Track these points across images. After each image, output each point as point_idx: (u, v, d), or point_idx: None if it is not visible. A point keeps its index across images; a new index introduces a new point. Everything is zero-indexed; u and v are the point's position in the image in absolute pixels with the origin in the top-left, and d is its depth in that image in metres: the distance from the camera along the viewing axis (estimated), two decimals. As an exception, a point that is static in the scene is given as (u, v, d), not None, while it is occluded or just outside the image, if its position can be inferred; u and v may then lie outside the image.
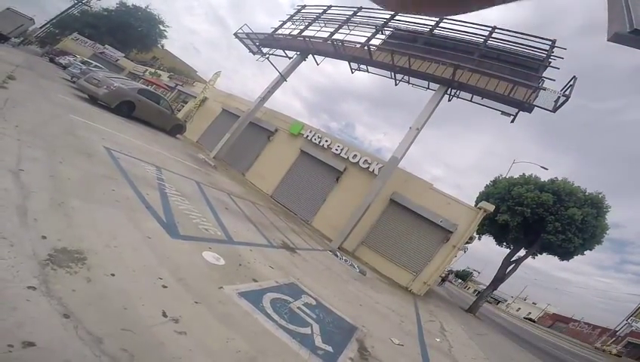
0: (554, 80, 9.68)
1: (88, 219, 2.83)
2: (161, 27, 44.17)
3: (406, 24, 13.11)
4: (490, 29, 11.44)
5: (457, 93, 11.47)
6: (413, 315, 7.18)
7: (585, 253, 14.27)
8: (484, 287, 19.24)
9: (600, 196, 13.22)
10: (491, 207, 11.31)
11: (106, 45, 34.77)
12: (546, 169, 19.65)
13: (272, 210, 10.61)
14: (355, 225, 10.67)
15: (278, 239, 6.68)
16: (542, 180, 14.18)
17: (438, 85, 11.31)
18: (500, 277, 15.69)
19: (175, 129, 14.07)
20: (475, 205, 11.96)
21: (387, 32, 13.21)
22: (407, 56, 11.31)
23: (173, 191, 5.28)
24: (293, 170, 14.57)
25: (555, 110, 9.11)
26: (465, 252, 25.10)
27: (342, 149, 13.73)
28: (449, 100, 11.73)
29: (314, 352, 2.79)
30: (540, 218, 13.19)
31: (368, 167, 12.93)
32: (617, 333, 35.09)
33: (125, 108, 10.51)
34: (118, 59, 33.33)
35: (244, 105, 17.59)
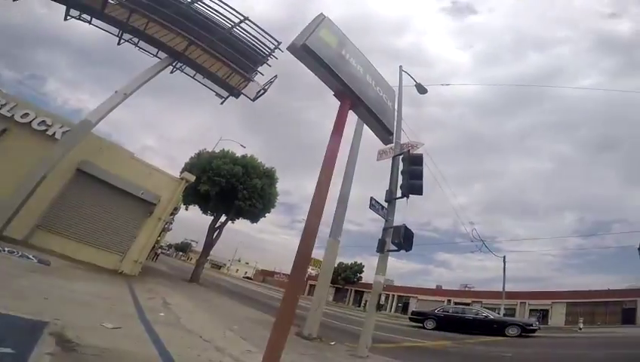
0: (263, 74, 11.72)
1: None
2: None
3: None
4: (242, 17, 11.47)
5: (183, 67, 11.34)
6: (128, 296, 6.59)
7: (266, 215, 17.98)
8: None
9: (273, 170, 17.18)
10: (192, 177, 12.07)
11: None
12: (244, 147, 22.58)
13: None
14: (22, 203, 7.68)
15: None
16: (236, 155, 16.62)
17: (167, 55, 10.75)
18: (209, 244, 17.22)
19: None
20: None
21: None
22: (148, 19, 9.91)
23: None
24: None
25: (254, 99, 11.35)
26: (171, 223, 24.98)
27: (3, 104, 9.20)
28: (171, 72, 11.43)
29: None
30: (233, 187, 15.20)
31: (46, 130, 9.65)
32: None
33: None
34: None
35: None
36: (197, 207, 17.53)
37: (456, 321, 14.80)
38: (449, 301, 37.79)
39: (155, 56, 11.38)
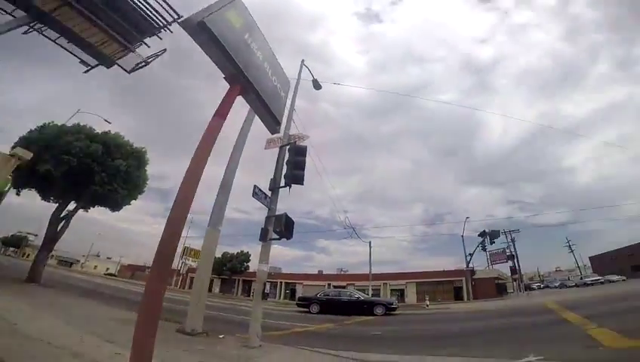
0: (150, 46, 9.96)
1: None
2: None
3: None
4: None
5: (44, 28, 8.82)
6: None
7: (132, 202, 15.49)
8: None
9: (142, 150, 14.86)
10: (29, 154, 9.38)
11: None
12: (110, 123, 18.96)
13: None
14: None
15: None
16: (96, 131, 13.82)
17: (26, 14, 8.25)
18: (52, 237, 13.82)
19: None
20: (12, 152, 9.52)
21: None
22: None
23: None
24: None
25: (131, 71, 9.63)
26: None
27: None
28: (26, 32, 8.81)
29: None
30: (88, 168, 12.52)
31: None
32: (181, 271, 42.78)
33: None
34: None
35: None
36: (35, 191, 13.90)
37: (335, 304, 16.46)
38: (329, 285, 41.39)
39: (9, 14, 8.43)
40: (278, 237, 6.36)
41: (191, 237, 45.63)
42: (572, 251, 60.56)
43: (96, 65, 9.69)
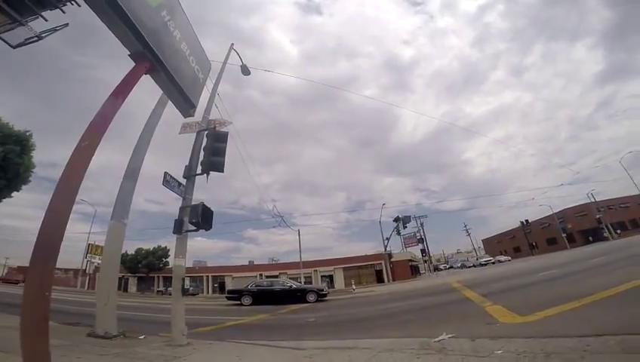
0: (47, 20, 8.29)
1: None
2: None
3: None
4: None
5: None
6: None
7: (13, 194, 13.18)
8: None
9: (27, 134, 12.72)
10: None
11: None
12: None
13: None
14: None
15: None
16: None
17: None
18: None
19: None
20: None
21: None
22: None
23: None
24: None
25: (16, 46, 8.01)
26: None
27: None
28: None
29: None
30: None
31: None
32: (86, 271, 36.96)
33: None
34: None
35: None
36: None
37: (268, 294, 16.29)
38: (260, 275, 40.96)
39: None
40: (195, 228, 5.89)
41: (97, 233, 40.28)
42: (469, 234, 71.04)
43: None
